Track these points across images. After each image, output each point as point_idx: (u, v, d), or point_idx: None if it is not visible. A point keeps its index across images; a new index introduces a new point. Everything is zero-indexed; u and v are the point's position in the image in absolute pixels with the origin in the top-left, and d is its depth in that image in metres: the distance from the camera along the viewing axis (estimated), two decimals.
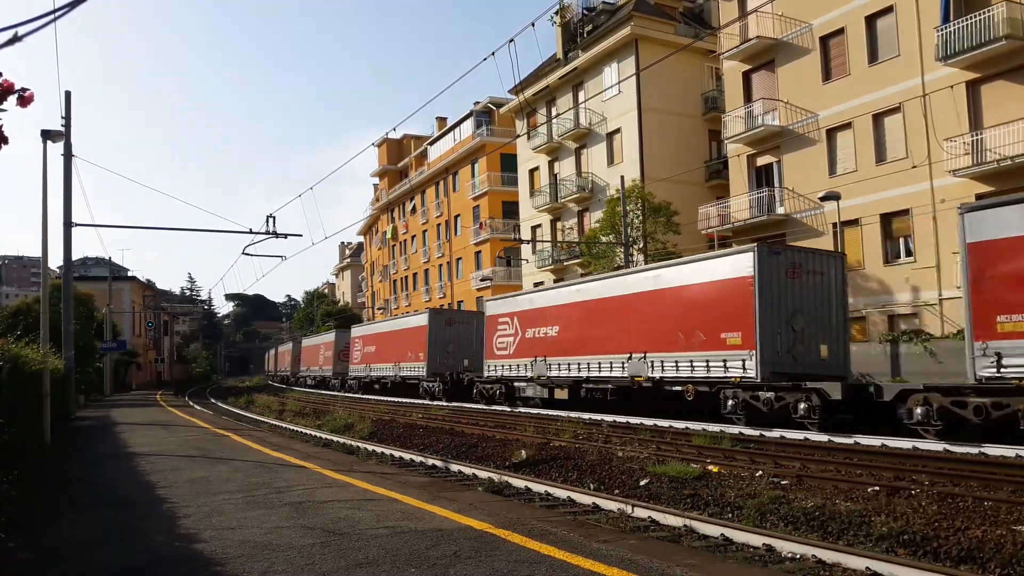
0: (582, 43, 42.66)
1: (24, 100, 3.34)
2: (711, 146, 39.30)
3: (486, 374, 27.89)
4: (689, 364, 18.28)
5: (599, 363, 21.49)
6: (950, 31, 24.24)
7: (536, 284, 43.92)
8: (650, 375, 19.37)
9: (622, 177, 33.35)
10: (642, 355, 19.69)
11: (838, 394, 15.19)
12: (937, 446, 12.65)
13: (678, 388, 18.76)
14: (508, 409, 24.91)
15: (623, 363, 20.43)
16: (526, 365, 25.09)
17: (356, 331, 46.61)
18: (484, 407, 26.92)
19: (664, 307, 19.28)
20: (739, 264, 17.17)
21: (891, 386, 15.46)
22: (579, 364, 22.31)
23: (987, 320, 13.03)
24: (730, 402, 17.27)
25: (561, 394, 23.40)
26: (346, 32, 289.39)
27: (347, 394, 44.17)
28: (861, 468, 11.14)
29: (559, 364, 23.29)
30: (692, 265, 19.07)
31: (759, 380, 16.42)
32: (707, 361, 17.77)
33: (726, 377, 17.20)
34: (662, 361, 19.09)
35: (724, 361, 17.22)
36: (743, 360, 16.74)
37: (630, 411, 20.20)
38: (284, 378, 69.43)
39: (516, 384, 25.68)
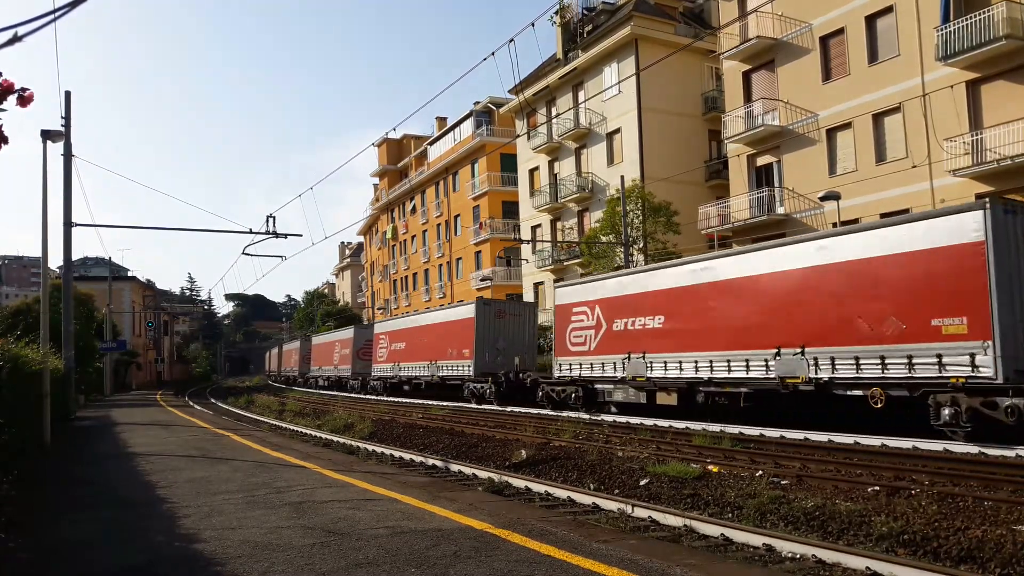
0: (582, 43, 42.66)
1: (24, 100, 3.34)
2: (711, 146, 39.31)
3: (557, 374, 23.58)
4: (878, 361, 14.11)
5: (727, 360, 17.25)
6: (950, 31, 24.23)
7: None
8: (812, 376, 15.31)
9: (622, 177, 33.34)
10: (798, 350, 15.59)
11: None
12: (937, 446, 12.64)
13: (857, 392, 14.62)
14: (580, 415, 21.16)
15: (766, 360, 16.26)
16: (614, 364, 20.95)
17: (381, 326, 42.14)
18: (479, 407, 26.78)
19: (834, 287, 15.07)
20: (962, 226, 13.11)
21: None
22: (696, 362, 18.14)
23: None
24: (946, 411, 13.07)
25: (666, 399, 19.41)
26: (346, 32, 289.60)
27: (358, 395, 43.56)
28: (861, 468, 11.14)
29: (664, 362, 19.15)
30: (880, 232, 14.60)
31: (1000, 381, 12.37)
32: (908, 357, 13.63)
33: (941, 378, 13.20)
34: (832, 357, 14.95)
35: (938, 356, 13.19)
36: (971, 354, 12.73)
37: (777, 422, 16.30)
38: (291, 378, 65.41)
39: (599, 386, 21.62)
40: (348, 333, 47.59)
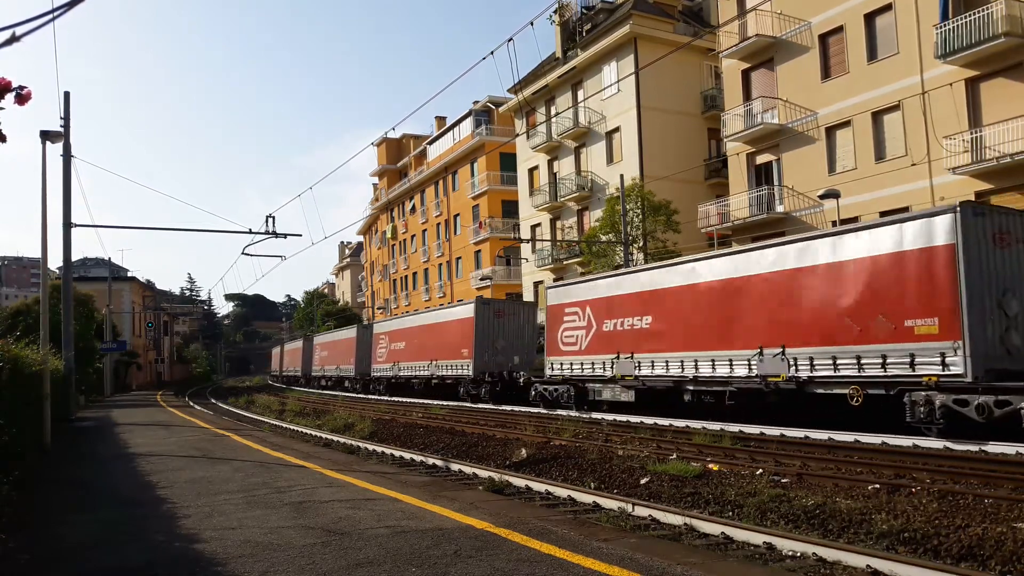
0: (581, 42, 42.65)
1: (22, 98, 3.34)
2: (710, 144, 39.30)
3: (549, 373, 23.66)
4: (855, 361, 14.42)
5: (712, 360, 17.56)
6: (949, 29, 24.23)
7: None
8: (791, 375, 15.67)
9: (621, 176, 33.34)
10: (779, 350, 15.92)
11: None
12: (937, 444, 12.64)
13: (838, 391, 14.90)
14: (572, 413, 21.56)
15: (750, 360, 16.56)
16: (604, 363, 21.16)
17: (381, 326, 41.73)
18: (477, 406, 26.82)
19: (814, 289, 15.38)
20: (932, 230, 13.39)
21: None
22: (682, 362, 18.48)
23: None
24: (921, 408, 13.41)
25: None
26: (346, 32, 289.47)
27: (358, 395, 43.55)
28: (861, 466, 11.14)
29: (652, 362, 19.42)
30: (860, 234, 14.86)
31: (969, 379, 12.69)
32: (883, 356, 13.94)
33: (914, 376, 13.48)
34: (811, 357, 15.29)
35: (911, 356, 13.50)
36: (942, 354, 13.01)
37: (760, 419, 16.61)
38: (293, 378, 64.81)
39: (589, 385, 21.87)
40: (351, 332, 47.32)
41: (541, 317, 34.94)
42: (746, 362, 16.66)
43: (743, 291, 16.97)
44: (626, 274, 21.88)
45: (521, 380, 26.27)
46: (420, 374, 34.01)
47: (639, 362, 19.90)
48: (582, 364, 22.26)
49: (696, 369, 18.02)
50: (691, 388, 18.30)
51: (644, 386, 19.77)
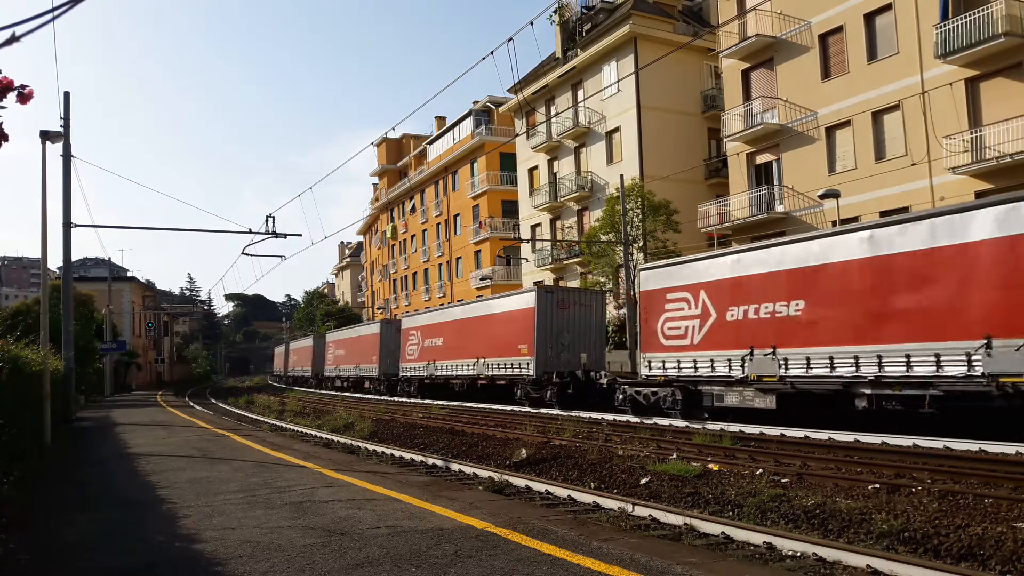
0: (581, 42, 42.65)
1: (24, 97, 3.33)
2: (710, 144, 39.31)
3: (645, 373, 19.99)
4: None
5: (906, 356, 13.69)
6: (949, 28, 24.23)
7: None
8: None
9: (621, 176, 33.33)
10: (1020, 342, 12.08)
11: None
12: (937, 443, 12.64)
13: None
14: (678, 423, 17.87)
15: (969, 355, 12.72)
16: (728, 360, 17.33)
17: (412, 320, 37.24)
18: (487, 407, 26.66)
19: None
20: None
21: None
22: (856, 358, 14.52)
23: None
24: None
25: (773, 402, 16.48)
26: (345, 32, 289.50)
27: (358, 395, 43.36)
28: (861, 466, 11.15)
29: (807, 358, 15.50)
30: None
31: None
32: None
33: None
34: None
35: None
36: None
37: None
38: (302, 378, 61.25)
39: (705, 388, 18.10)
40: (373, 328, 43.10)
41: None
42: (963, 357, 12.86)
43: (955, 264, 13.19)
44: (762, 248, 17.39)
45: (603, 381, 22.81)
46: (463, 374, 30.27)
47: (785, 359, 15.91)
48: (695, 362, 18.38)
49: (879, 367, 14.10)
50: (868, 392, 14.42)
51: (793, 389, 15.97)
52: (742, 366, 16.96)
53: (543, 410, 23.65)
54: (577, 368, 25.06)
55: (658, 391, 19.61)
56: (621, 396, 21.19)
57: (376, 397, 38.48)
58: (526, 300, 26.58)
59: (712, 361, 17.86)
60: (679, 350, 18.90)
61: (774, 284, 16.47)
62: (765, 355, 16.39)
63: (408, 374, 35.96)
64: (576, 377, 24.34)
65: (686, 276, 19.14)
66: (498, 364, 27.60)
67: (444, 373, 32.06)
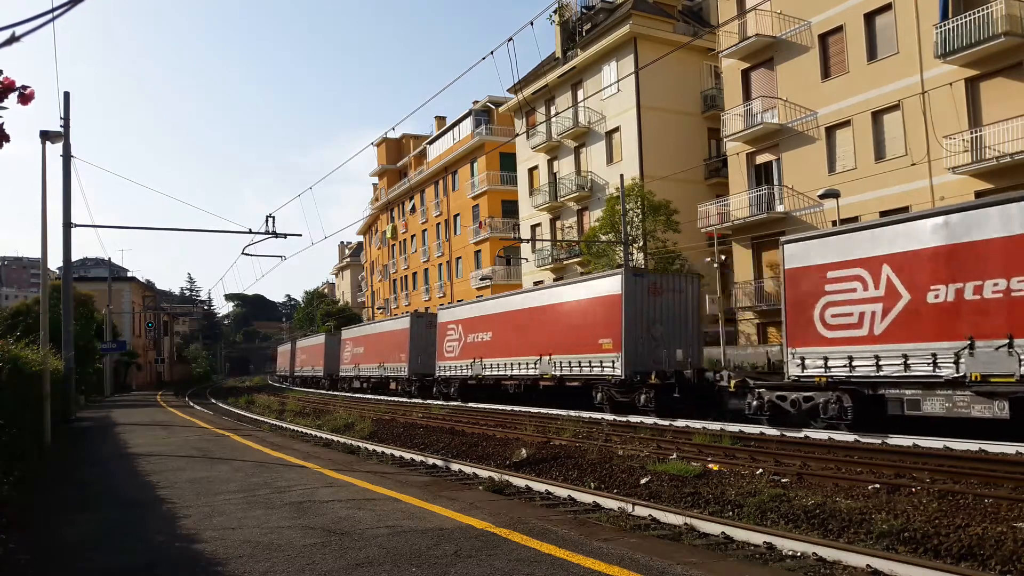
0: (581, 42, 42.66)
1: (25, 98, 3.33)
2: (710, 144, 39.32)
3: (795, 373, 16.08)
4: None
5: None
6: (949, 28, 24.23)
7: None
8: None
9: (621, 176, 33.32)
10: None
11: None
12: (937, 443, 12.64)
13: None
14: (817, 435, 14.56)
15: None
16: (932, 356, 13.52)
17: (450, 313, 32.90)
18: (487, 407, 26.60)
19: None
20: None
21: None
22: None
23: None
24: None
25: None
26: (345, 32, 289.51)
27: (358, 395, 43.13)
28: (861, 466, 11.16)
29: None
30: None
31: None
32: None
33: None
34: None
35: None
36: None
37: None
38: (312, 379, 57.51)
39: (891, 392, 14.25)
40: (402, 324, 38.30)
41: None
42: None
43: None
44: (993, 205, 13.17)
45: (727, 383, 18.12)
46: (520, 373, 26.20)
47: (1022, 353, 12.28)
48: (876, 358, 14.50)
49: None
50: None
51: None
52: (955, 363, 13.17)
53: (631, 418, 19.76)
54: (673, 366, 20.68)
55: (814, 396, 15.72)
56: (755, 403, 17.20)
57: (376, 397, 38.45)
58: (610, 285, 22.12)
59: (905, 357, 13.97)
60: (850, 342, 15.05)
61: (1016, 251, 12.53)
62: (996, 348, 12.60)
63: (447, 374, 31.90)
64: (683, 377, 19.94)
65: (859, 247, 15.14)
66: (570, 362, 23.35)
67: (494, 373, 27.88)
